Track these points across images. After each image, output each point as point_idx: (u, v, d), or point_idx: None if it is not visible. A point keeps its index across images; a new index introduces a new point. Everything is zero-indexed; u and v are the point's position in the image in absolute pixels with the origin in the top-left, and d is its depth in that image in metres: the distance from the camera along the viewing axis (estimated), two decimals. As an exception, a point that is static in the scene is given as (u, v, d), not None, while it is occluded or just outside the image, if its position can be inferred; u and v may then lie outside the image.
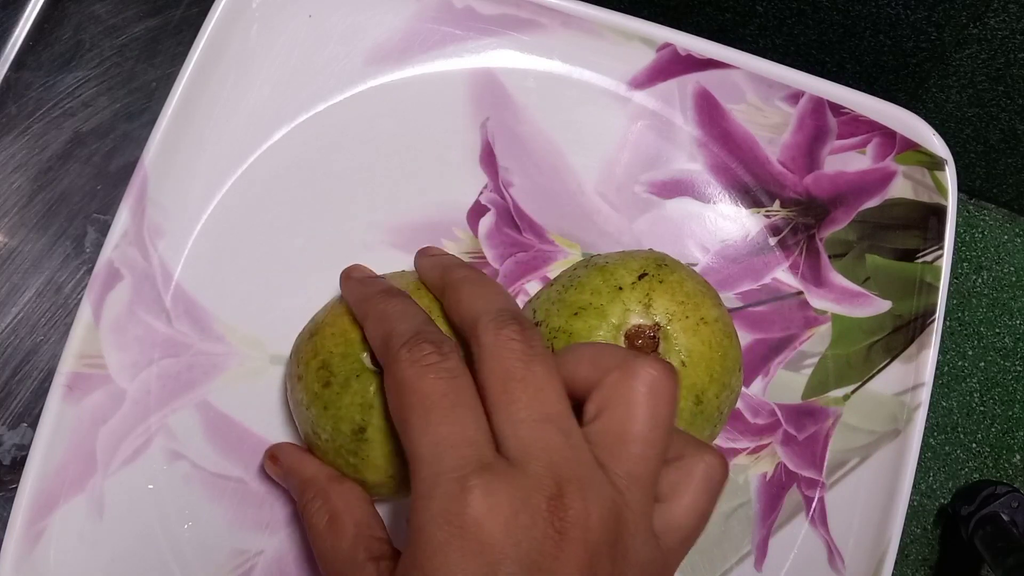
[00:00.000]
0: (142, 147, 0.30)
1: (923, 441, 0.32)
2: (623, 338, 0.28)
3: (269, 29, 0.32)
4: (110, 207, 0.37)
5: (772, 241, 0.34)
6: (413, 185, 0.33)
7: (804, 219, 0.34)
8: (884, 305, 0.34)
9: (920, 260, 0.34)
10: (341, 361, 0.27)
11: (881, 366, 0.34)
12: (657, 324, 0.28)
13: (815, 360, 0.34)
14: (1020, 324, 0.45)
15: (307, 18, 0.33)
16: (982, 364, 0.44)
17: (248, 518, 0.30)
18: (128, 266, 0.30)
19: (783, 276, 0.34)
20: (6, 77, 0.37)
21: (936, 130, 0.33)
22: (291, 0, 0.32)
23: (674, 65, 0.33)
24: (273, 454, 0.29)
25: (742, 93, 0.34)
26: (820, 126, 0.34)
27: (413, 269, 0.31)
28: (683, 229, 0.34)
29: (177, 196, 0.31)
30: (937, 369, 0.33)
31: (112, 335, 0.30)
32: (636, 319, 0.28)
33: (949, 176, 0.33)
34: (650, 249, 0.32)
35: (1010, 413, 0.44)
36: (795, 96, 0.33)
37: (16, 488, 0.28)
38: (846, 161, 0.34)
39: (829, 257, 0.34)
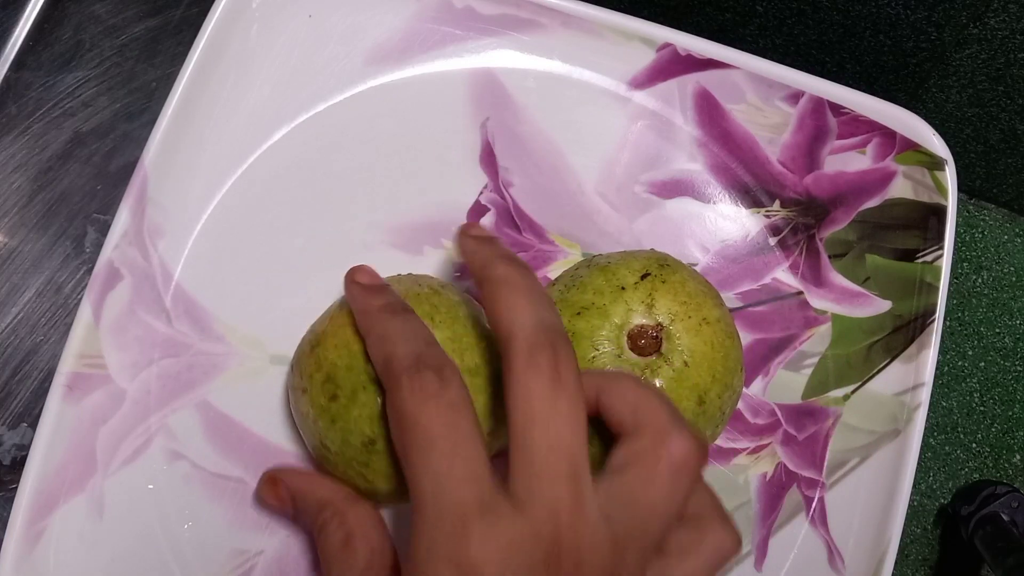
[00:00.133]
0: (142, 147, 0.30)
1: (923, 441, 0.32)
2: (626, 338, 0.28)
3: (269, 29, 0.32)
4: (110, 207, 0.37)
5: (772, 241, 0.34)
6: (413, 185, 0.33)
7: (804, 219, 0.34)
8: (884, 305, 0.34)
9: (920, 260, 0.34)
10: (346, 374, 0.27)
11: (881, 366, 0.34)
12: (660, 324, 0.28)
13: (815, 360, 0.34)
14: (1020, 324, 0.45)
15: (307, 18, 0.33)
16: (982, 364, 0.44)
17: (248, 518, 0.30)
18: (128, 266, 0.30)
19: (783, 276, 0.34)
20: (6, 77, 0.37)
21: (936, 130, 0.33)
22: (291, 0, 0.32)
23: (674, 65, 0.33)
24: (274, 477, 0.29)
25: (742, 93, 0.34)
26: (820, 126, 0.34)
27: (411, 273, 0.31)
28: (683, 229, 0.34)
29: (177, 196, 0.31)
30: (937, 369, 0.33)
31: (112, 335, 0.30)
32: (639, 319, 0.28)
33: (949, 176, 0.33)
34: (651, 249, 0.32)
35: (1010, 413, 0.44)
36: (795, 96, 0.33)
37: (16, 488, 0.28)
38: (846, 161, 0.34)
39: (829, 257, 0.34)
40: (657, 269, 0.29)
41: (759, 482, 0.33)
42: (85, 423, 0.29)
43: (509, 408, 0.22)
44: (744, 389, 0.33)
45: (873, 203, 0.34)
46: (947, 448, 0.44)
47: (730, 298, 0.34)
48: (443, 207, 0.33)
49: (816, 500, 0.33)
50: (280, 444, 0.31)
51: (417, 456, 0.22)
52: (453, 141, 0.33)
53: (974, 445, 0.44)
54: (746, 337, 0.33)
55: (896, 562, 0.32)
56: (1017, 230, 0.45)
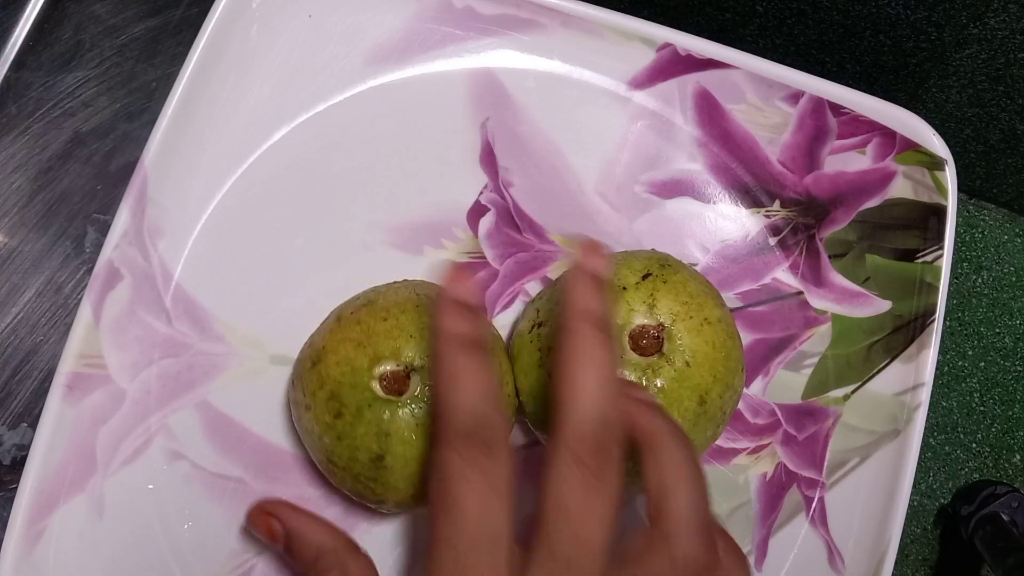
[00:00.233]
0: (142, 147, 0.30)
1: (923, 441, 0.32)
2: (627, 338, 0.28)
3: (269, 29, 0.32)
4: (110, 207, 0.37)
5: (772, 241, 0.34)
6: (413, 185, 0.33)
7: (804, 219, 0.34)
8: (884, 305, 0.34)
9: (920, 260, 0.34)
10: (351, 391, 0.27)
11: (881, 366, 0.34)
12: (661, 324, 0.28)
13: (815, 360, 0.34)
14: (1020, 324, 0.45)
15: (307, 18, 0.33)
16: (982, 364, 0.44)
17: (248, 518, 0.30)
18: (128, 266, 0.30)
19: (783, 276, 0.34)
20: (6, 77, 0.37)
21: (936, 130, 0.33)
22: (291, 0, 0.32)
23: (674, 65, 0.33)
24: (269, 511, 0.28)
25: (742, 93, 0.34)
26: (820, 126, 0.34)
27: (407, 280, 0.31)
28: (683, 229, 0.34)
29: (177, 196, 0.31)
30: (937, 369, 0.33)
31: (112, 335, 0.30)
32: (640, 319, 0.28)
33: (949, 176, 0.33)
34: (652, 249, 0.32)
35: (1010, 413, 0.44)
36: (795, 96, 0.33)
37: (16, 488, 0.28)
38: (846, 161, 0.34)
39: (829, 257, 0.34)
40: (658, 269, 0.29)
41: (759, 482, 0.33)
42: (85, 423, 0.29)
43: (541, 486, 0.23)
44: (744, 389, 0.33)
45: (873, 203, 0.34)
46: (947, 448, 0.44)
47: (730, 298, 0.34)
48: (443, 207, 0.33)
49: (816, 500, 0.33)
50: (280, 444, 0.31)
51: (443, 521, 0.22)
52: (453, 141, 0.33)
53: (974, 445, 0.44)
54: (746, 337, 0.33)
55: (896, 562, 0.32)
56: (1017, 230, 0.45)
